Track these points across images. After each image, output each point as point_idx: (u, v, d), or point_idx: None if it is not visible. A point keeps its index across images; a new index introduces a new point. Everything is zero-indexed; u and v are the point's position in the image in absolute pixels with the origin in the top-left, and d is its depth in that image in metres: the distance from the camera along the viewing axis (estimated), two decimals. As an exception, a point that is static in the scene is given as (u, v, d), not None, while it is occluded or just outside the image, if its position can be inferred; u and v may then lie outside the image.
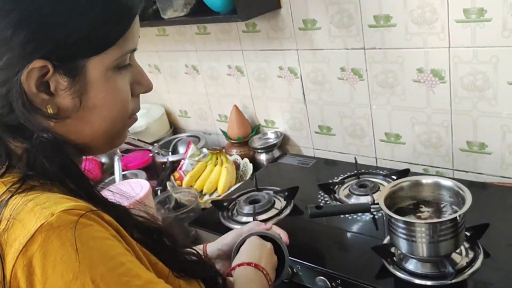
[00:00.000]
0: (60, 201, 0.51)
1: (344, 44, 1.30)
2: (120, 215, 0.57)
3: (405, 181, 0.94)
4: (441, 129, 1.23)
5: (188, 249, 0.69)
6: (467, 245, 0.93)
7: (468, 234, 0.93)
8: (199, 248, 0.90)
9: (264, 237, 0.88)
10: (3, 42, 0.51)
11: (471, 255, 0.91)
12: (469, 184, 0.95)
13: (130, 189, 1.16)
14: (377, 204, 0.92)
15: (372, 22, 1.21)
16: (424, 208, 0.92)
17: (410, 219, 0.88)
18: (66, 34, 0.52)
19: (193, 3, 1.48)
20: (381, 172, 1.26)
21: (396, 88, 1.26)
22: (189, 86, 1.83)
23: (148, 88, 0.65)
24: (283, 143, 1.61)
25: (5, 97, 0.53)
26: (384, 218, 0.98)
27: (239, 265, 0.78)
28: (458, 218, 0.84)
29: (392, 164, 1.36)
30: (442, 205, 0.92)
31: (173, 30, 1.74)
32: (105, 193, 0.61)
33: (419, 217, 0.90)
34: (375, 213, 1.08)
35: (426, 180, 0.93)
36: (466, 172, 1.24)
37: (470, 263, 0.89)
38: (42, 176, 0.54)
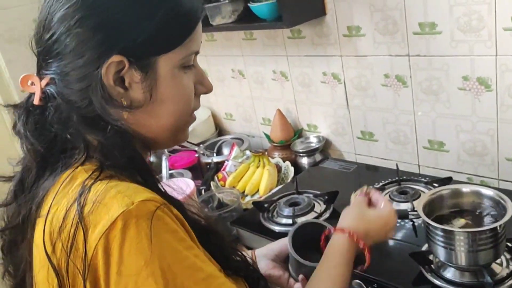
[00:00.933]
0: (138, 191, 0.56)
1: (388, 51, 1.31)
2: (182, 210, 0.61)
3: (445, 189, 0.94)
4: (486, 138, 1.21)
5: (233, 248, 0.73)
6: (508, 256, 0.92)
7: (510, 245, 0.92)
8: (248, 252, 0.93)
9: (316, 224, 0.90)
10: (84, 43, 0.58)
11: (512, 266, 0.90)
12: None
13: (174, 187, 1.23)
14: (416, 211, 0.92)
15: (417, 29, 1.22)
16: (463, 217, 0.92)
17: (449, 227, 0.88)
18: (137, 34, 0.59)
19: (240, 10, 1.53)
20: (422, 179, 1.25)
21: (440, 96, 1.25)
22: (235, 89, 1.88)
23: (209, 89, 0.70)
24: (325, 147, 1.63)
25: (85, 91, 0.59)
26: (423, 225, 0.98)
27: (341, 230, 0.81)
28: (498, 228, 0.83)
29: (435, 172, 1.35)
30: (483, 215, 0.91)
31: (221, 36, 1.80)
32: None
33: (458, 226, 0.90)
34: (414, 220, 1.08)
35: (466, 189, 0.93)
36: (513, 182, 1.22)
37: (511, 274, 0.88)
38: (115, 166, 0.59)
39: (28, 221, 0.61)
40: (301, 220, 1.19)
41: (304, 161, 1.61)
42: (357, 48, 1.37)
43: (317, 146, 1.60)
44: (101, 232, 0.53)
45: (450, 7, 1.13)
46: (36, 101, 0.60)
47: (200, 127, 1.95)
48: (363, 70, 1.39)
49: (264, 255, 0.93)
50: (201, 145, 1.79)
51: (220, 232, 0.70)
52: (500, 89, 1.13)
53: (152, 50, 0.60)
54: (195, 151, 1.76)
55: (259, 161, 1.57)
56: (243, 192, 1.53)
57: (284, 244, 0.92)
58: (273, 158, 1.65)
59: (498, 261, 0.91)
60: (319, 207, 1.24)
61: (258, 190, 1.51)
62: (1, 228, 0.65)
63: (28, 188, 0.63)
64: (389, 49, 1.30)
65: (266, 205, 1.29)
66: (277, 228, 1.21)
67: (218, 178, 1.59)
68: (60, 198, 0.58)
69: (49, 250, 0.56)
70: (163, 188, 0.63)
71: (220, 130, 2.04)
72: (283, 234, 1.07)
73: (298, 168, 1.59)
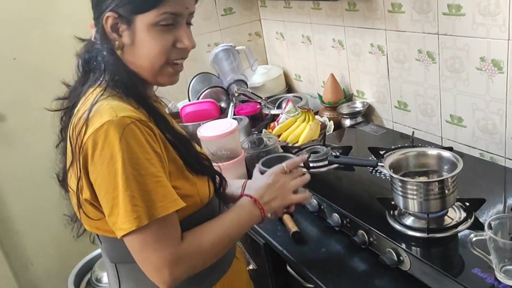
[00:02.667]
0: (125, 109, 0.85)
1: (422, 28, 1.43)
2: (160, 121, 0.91)
3: (412, 151, 1.10)
4: (496, 117, 1.30)
5: (202, 155, 1.00)
6: (463, 214, 1.06)
7: (463, 205, 1.06)
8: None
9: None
10: (95, 7, 0.89)
11: (463, 221, 1.04)
12: None
13: (223, 124, 1.54)
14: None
15: (446, 10, 1.32)
16: (426, 175, 1.08)
17: (404, 178, 1.05)
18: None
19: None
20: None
21: (461, 74, 1.35)
22: (303, 53, 2.11)
23: (185, 46, 0.90)
24: (369, 113, 1.80)
25: (100, 37, 0.91)
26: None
27: (245, 194, 1.03)
28: (445, 181, 0.99)
29: (454, 145, 1.46)
30: (442, 174, 1.06)
31: (295, 4, 2.02)
32: None
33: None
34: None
35: (431, 151, 1.09)
36: (518, 162, 1.30)
37: (455, 226, 1.03)
38: (116, 88, 0.89)
39: (68, 113, 0.95)
40: (316, 165, 1.42)
41: (347, 122, 1.80)
42: (398, 23, 1.51)
43: (359, 110, 1.77)
44: (92, 131, 0.81)
45: (473, -9, 1.23)
46: (92, 38, 0.94)
47: (270, 84, 2.22)
48: (402, 44, 1.53)
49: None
50: (265, 99, 2.06)
51: (193, 144, 0.99)
52: (510, 72, 1.21)
53: (131, 10, 0.86)
54: (259, 103, 2.05)
55: (305, 116, 1.80)
56: (286, 141, 1.78)
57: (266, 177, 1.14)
58: (321, 117, 1.86)
59: (452, 215, 1.06)
60: (332, 156, 1.44)
61: (298, 141, 1.75)
62: (62, 115, 0.98)
63: (73, 94, 0.96)
64: (423, 26, 1.42)
65: (293, 151, 1.54)
66: (297, 170, 1.46)
67: (269, 126, 1.86)
68: (81, 105, 0.90)
69: (70, 133, 0.87)
70: (152, 106, 0.92)
71: (289, 89, 2.29)
72: None
73: (341, 128, 1.79)
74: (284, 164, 1.09)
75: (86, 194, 0.87)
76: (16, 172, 2.11)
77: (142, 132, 0.83)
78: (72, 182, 0.90)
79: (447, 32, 1.35)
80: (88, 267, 1.99)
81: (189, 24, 0.94)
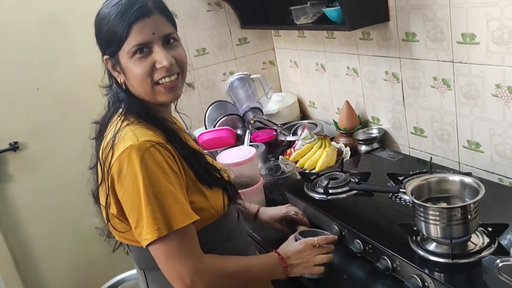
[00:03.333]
0: (146, 134, 0.97)
1: (436, 56, 1.46)
2: (175, 140, 1.02)
3: (433, 177, 1.12)
4: (514, 143, 1.32)
5: (215, 168, 1.10)
6: (486, 240, 1.07)
7: (486, 230, 1.07)
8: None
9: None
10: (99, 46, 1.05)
11: (486, 246, 1.04)
12: None
13: (242, 152, 1.58)
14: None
15: (460, 39, 1.36)
16: (447, 201, 1.09)
17: (426, 203, 1.06)
18: (103, 44, 1.02)
19: (322, 13, 1.79)
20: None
21: (477, 100, 1.38)
22: (317, 81, 2.15)
23: (163, 65, 1.00)
24: (385, 139, 1.82)
25: (109, 76, 1.07)
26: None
27: (275, 251, 1.15)
28: (467, 207, 1.00)
29: (472, 170, 1.47)
30: (465, 200, 1.07)
31: (309, 33, 2.08)
32: None
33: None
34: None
35: (452, 177, 1.10)
36: (538, 187, 1.30)
37: (479, 252, 1.03)
38: (134, 116, 1.01)
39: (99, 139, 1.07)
40: (334, 191, 1.44)
41: (363, 148, 1.82)
42: (412, 52, 1.55)
43: (375, 136, 1.80)
44: (117, 155, 0.94)
45: (486, 21, 1.26)
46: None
47: (285, 111, 2.26)
48: (416, 71, 1.56)
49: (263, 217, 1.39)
50: (280, 125, 2.10)
51: (207, 158, 1.11)
52: (527, 99, 1.24)
53: (112, 51, 1.01)
54: (275, 129, 2.08)
55: (322, 143, 1.83)
56: (303, 167, 1.80)
57: (280, 210, 1.40)
58: (337, 143, 1.89)
59: (475, 240, 1.06)
60: (352, 182, 1.46)
61: (315, 167, 1.78)
62: (94, 137, 1.10)
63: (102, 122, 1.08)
64: (437, 55, 1.46)
65: (311, 177, 1.56)
66: (316, 196, 1.47)
67: (286, 153, 1.89)
68: (108, 131, 1.01)
69: (100, 156, 1.00)
70: (170, 127, 1.03)
71: (303, 115, 2.33)
72: (318, 202, 1.42)
73: (357, 154, 1.81)
74: (316, 238, 1.18)
75: (113, 209, 1.00)
76: (34, 198, 2.15)
77: (162, 154, 0.95)
78: (102, 198, 1.02)
79: (462, 60, 1.38)
80: (107, 294, 2.00)
81: (168, 42, 1.03)
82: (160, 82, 1.02)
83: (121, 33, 0.97)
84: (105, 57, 1.03)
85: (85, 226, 2.25)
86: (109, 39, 0.99)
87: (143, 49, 0.99)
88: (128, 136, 0.96)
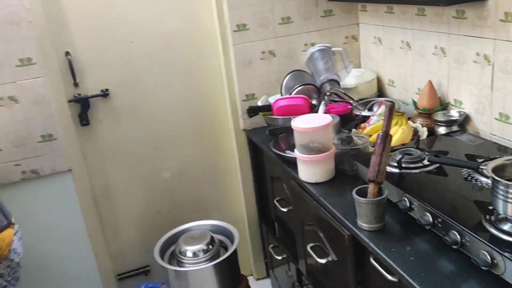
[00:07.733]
0: None
1: (536, 39, 1.39)
2: None
3: (520, 158, 1.09)
4: None
5: None
6: None
7: None
8: None
9: None
10: None
11: None
12: None
13: (318, 118, 1.61)
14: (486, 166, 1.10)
15: None
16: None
17: (506, 180, 1.04)
18: None
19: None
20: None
21: None
22: (400, 59, 2.11)
23: None
24: (464, 123, 1.77)
25: None
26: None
27: None
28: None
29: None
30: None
31: (398, 9, 2.03)
32: None
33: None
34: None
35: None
36: None
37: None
38: None
39: None
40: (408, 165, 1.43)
41: (441, 130, 1.78)
42: (510, 33, 1.48)
43: (455, 119, 1.75)
44: None
45: None
46: None
47: (363, 86, 2.25)
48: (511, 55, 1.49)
49: None
50: (357, 100, 2.09)
51: None
52: None
53: None
54: (350, 103, 2.08)
55: (398, 120, 1.81)
56: (376, 141, 1.79)
57: None
58: (414, 122, 1.86)
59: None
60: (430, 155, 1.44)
61: (388, 143, 1.76)
62: None
63: None
64: (538, 37, 1.38)
65: (385, 151, 1.56)
66: (388, 168, 1.47)
67: (359, 127, 1.89)
68: None
69: None
70: None
71: (381, 93, 2.30)
72: (390, 174, 1.40)
73: (433, 135, 1.77)
74: None
75: None
76: (117, 144, 2.32)
77: None
78: None
79: None
80: (173, 240, 2.14)
81: None
82: None
83: None
84: None
85: (158, 178, 2.41)
86: None
87: None
88: None
